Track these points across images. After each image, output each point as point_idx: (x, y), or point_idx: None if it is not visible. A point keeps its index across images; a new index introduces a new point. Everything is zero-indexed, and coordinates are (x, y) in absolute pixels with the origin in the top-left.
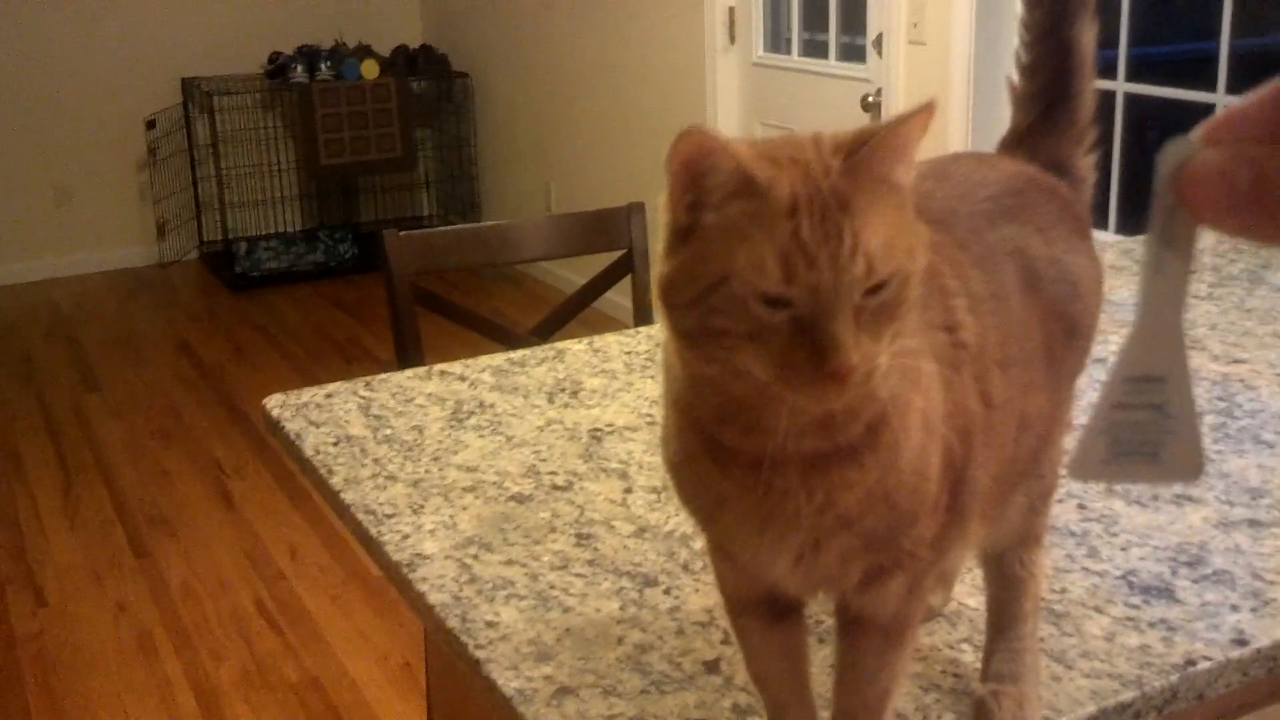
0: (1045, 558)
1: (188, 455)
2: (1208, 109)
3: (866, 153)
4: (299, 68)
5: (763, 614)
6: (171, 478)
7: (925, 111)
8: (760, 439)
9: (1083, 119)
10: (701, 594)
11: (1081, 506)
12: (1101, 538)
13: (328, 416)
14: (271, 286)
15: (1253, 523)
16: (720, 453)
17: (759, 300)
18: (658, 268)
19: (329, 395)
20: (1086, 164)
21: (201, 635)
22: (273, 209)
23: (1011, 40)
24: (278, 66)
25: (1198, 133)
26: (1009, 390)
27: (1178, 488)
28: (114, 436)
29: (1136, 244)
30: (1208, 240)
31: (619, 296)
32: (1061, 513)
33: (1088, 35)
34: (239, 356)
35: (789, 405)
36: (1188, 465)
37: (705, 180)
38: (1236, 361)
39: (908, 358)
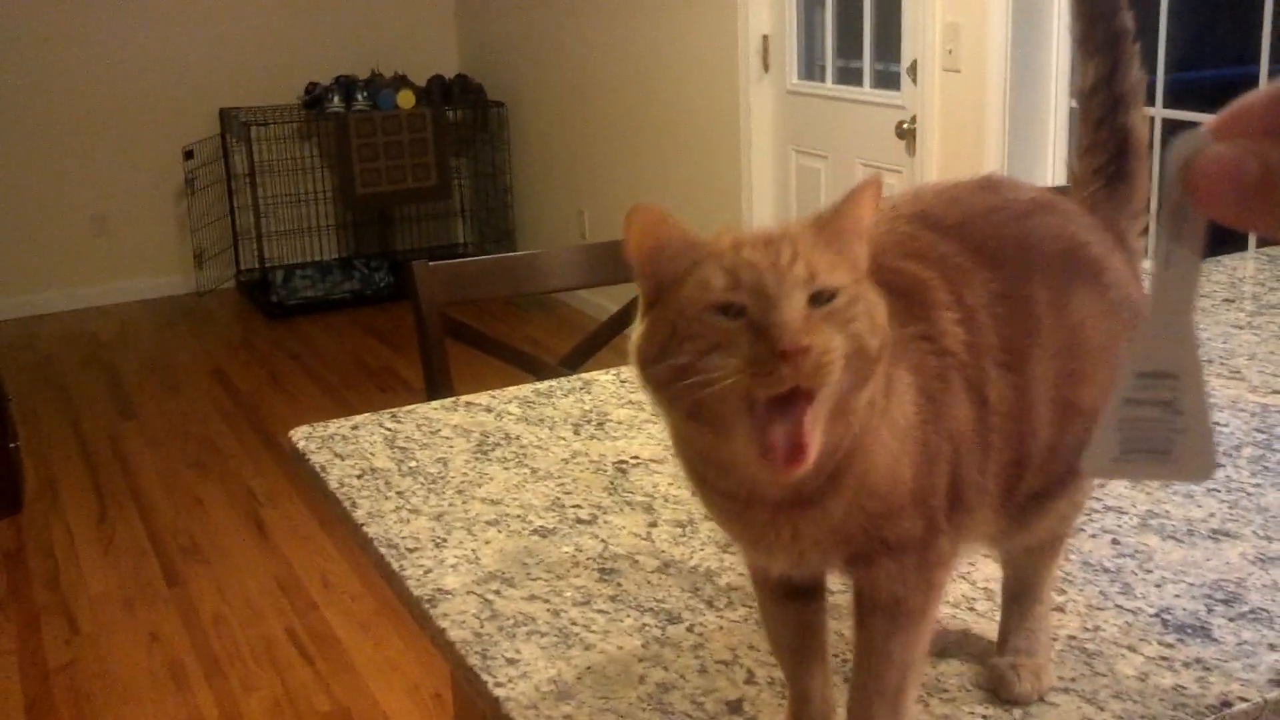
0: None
1: (222, 484)
2: None
3: (825, 214)
4: (335, 98)
5: (780, 591)
6: (205, 506)
7: (872, 184)
8: (734, 481)
9: (1139, 199)
10: (725, 631)
11: (1115, 542)
12: (1136, 574)
13: (353, 449)
14: (307, 315)
15: None
16: (706, 487)
17: (712, 313)
18: (631, 346)
19: (355, 427)
20: (1141, 243)
21: (233, 664)
22: (309, 238)
23: (1047, 66)
24: (314, 97)
25: (1206, 127)
26: (1021, 387)
27: (1214, 523)
28: (149, 465)
29: None
30: (1248, 269)
31: None
32: (1095, 548)
33: (1141, 121)
34: (274, 385)
35: (747, 458)
36: (1198, 463)
37: (660, 254)
38: (1276, 392)
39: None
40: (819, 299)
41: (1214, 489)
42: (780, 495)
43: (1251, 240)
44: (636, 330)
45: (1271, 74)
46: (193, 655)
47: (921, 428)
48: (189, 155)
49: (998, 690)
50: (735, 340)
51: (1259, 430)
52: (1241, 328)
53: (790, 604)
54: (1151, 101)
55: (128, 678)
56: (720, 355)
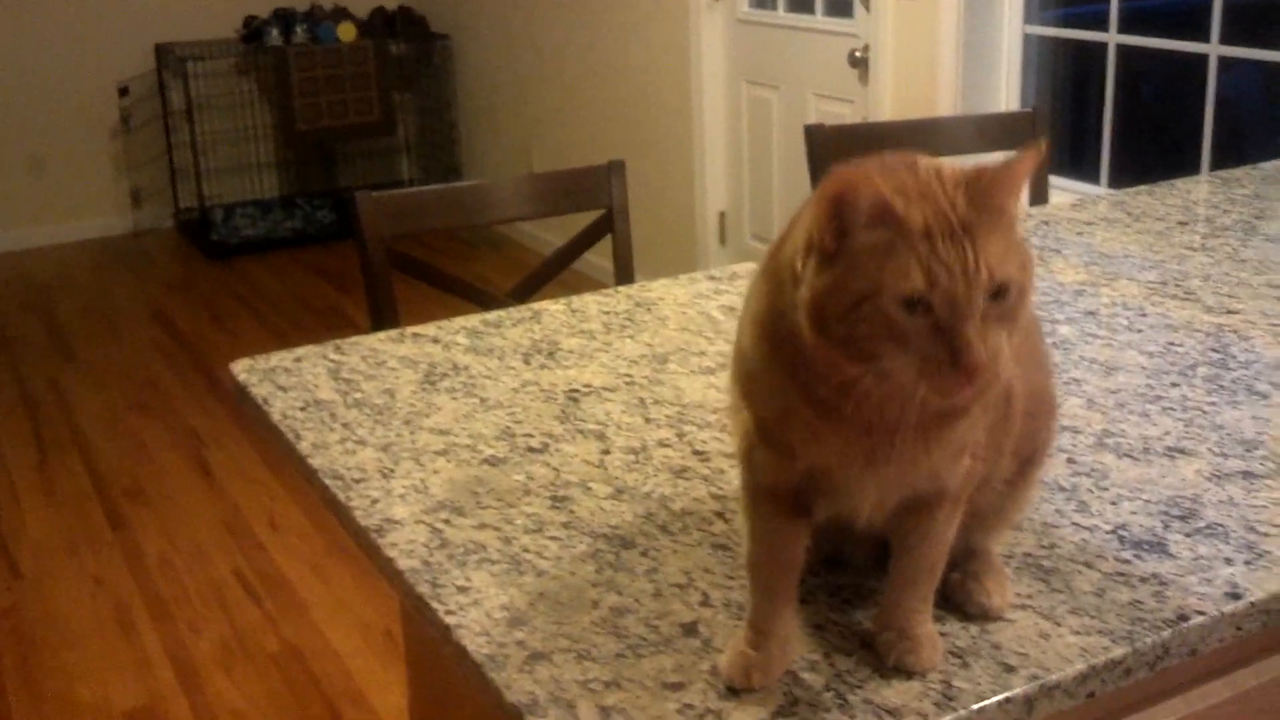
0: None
1: (165, 426)
2: (1201, 60)
3: (984, 186)
4: (274, 31)
5: (783, 507)
6: (149, 449)
7: (1034, 154)
8: (872, 412)
9: None
10: (680, 555)
11: (1071, 461)
12: (1091, 492)
13: (296, 381)
14: (249, 254)
15: (1247, 475)
16: (824, 409)
17: (903, 305)
18: (804, 290)
19: (298, 359)
20: None
21: (180, 607)
22: (250, 176)
23: None
24: (253, 30)
25: None
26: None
27: (1170, 440)
28: (90, 408)
29: (1127, 197)
30: (1201, 192)
31: (599, 258)
32: (1051, 467)
33: None
34: (217, 325)
35: (916, 399)
36: None
37: (849, 213)
38: (1230, 312)
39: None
40: (995, 296)
41: (1169, 407)
42: (936, 409)
43: (1205, 163)
44: (815, 284)
45: (1225, 0)
46: (138, 599)
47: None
48: (124, 92)
49: (962, 605)
50: (918, 338)
51: (1214, 350)
52: (1195, 250)
53: (790, 521)
54: (1105, 28)
55: (72, 622)
56: (900, 351)
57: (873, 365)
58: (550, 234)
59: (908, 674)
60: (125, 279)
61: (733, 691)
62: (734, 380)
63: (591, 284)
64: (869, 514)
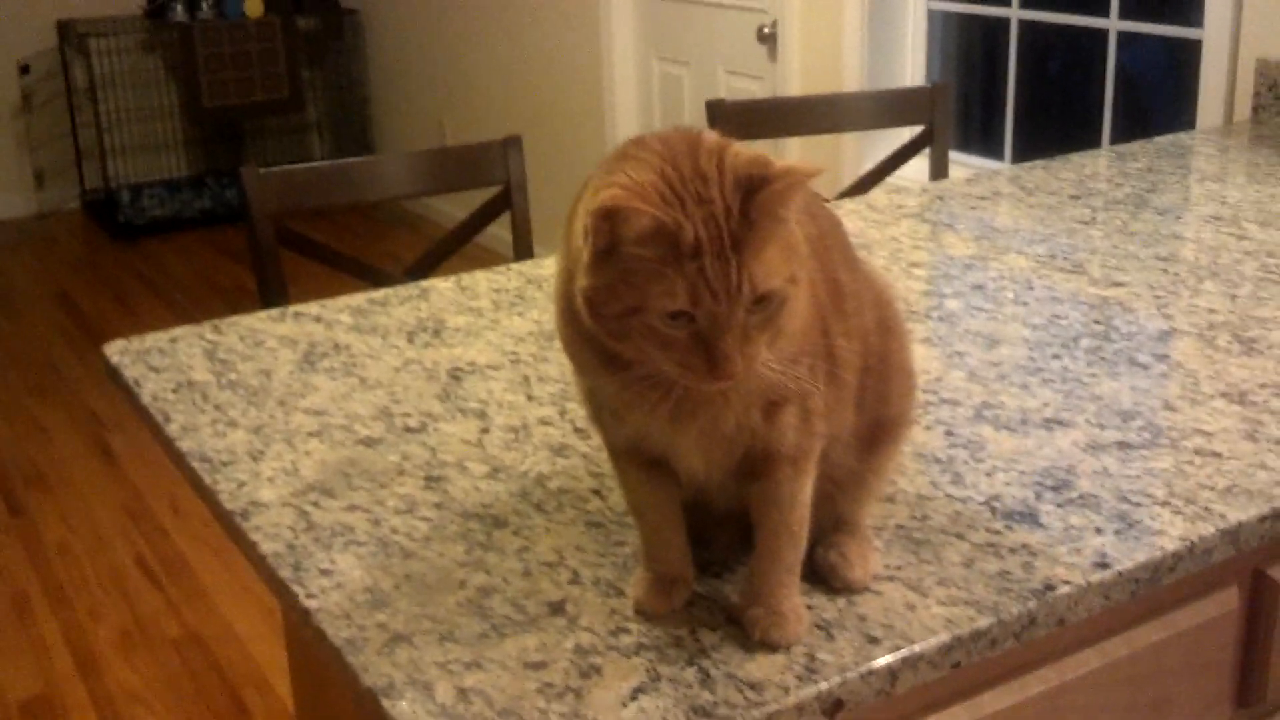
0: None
1: (66, 410)
2: (1103, 34)
3: (763, 198)
4: (179, 6)
5: (642, 459)
6: (49, 433)
7: (812, 170)
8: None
9: None
10: (553, 534)
11: (949, 433)
12: (967, 464)
13: (170, 362)
14: (156, 235)
15: (1122, 445)
16: (620, 367)
17: (668, 318)
18: (581, 278)
19: (173, 340)
20: None
21: (79, 594)
22: (157, 155)
23: None
24: (157, 6)
25: None
26: (855, 318)
27: (1048, 412)
28: None
29: (1023, 171)
30: (1099, 164)
31: (504, 231)
32: (928, 439)
33: None
34: (121, 307)
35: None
36: None
37: (620, 228)
38: (1116, 285)
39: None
40: (758, 303)
41: (1050, 379)
42: None
43: (1105, 137)
44: (589, 279)
45: None
46: (37, 586)
47: (813, 306)
48: (25, 70)
49: (828, 578)
50: (679, 346)
51: (1097, 322)
52: (1087, 223)
53: (654, 470)
54: (1007, 3)
55: None
56: (665, 353)
57: (643, 358)
58: (464, 211)
59: (773, 648)
60: (28, 261)
61: (647, 619)
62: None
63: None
64: (707, 476)
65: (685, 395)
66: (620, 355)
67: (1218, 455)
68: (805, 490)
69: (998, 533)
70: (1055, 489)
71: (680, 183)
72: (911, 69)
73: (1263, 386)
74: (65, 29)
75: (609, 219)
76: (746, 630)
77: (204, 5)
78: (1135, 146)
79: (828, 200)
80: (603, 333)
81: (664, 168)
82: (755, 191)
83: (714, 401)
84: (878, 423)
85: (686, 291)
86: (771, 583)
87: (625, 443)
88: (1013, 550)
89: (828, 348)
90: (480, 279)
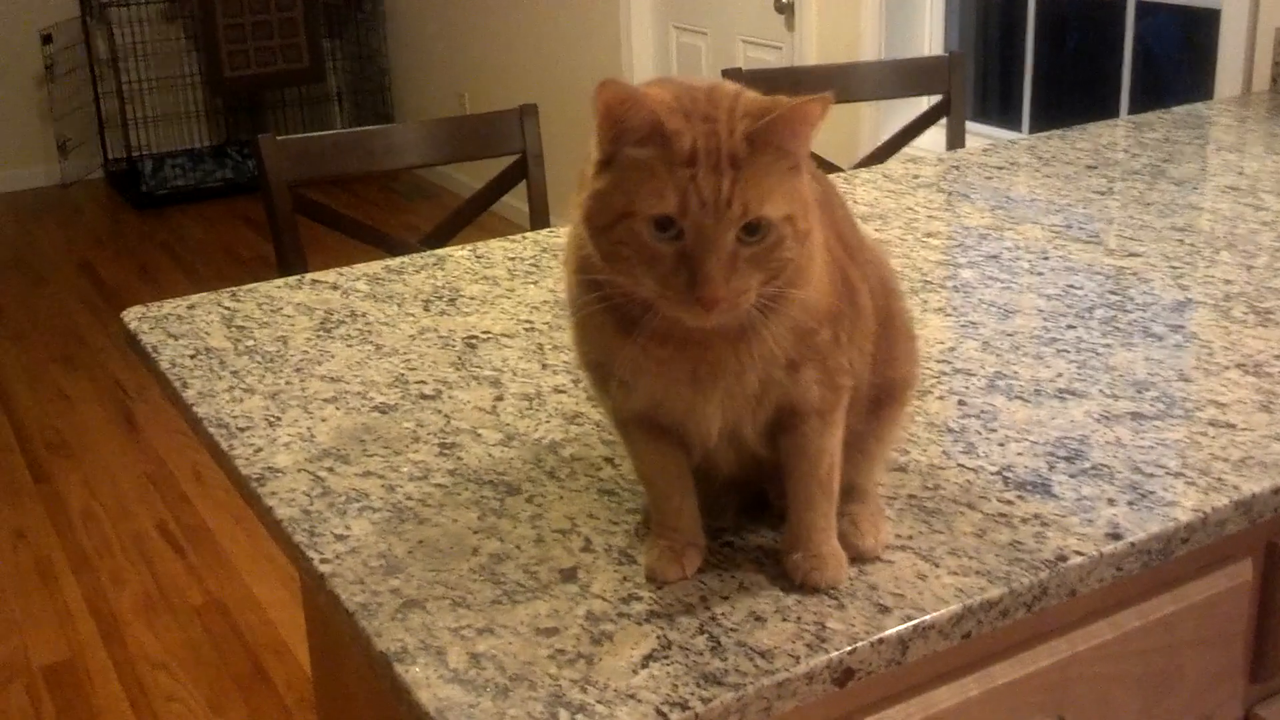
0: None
1: (90, 379)
2: (1120, 5)
3: (765, 125)
4: None
5: (649, 428)
6: (73, 402)
7: (821, 101)
8: (678, 323)
9: None
10: (565, 501)
11: (962, 403)
12: (980, 434)
13: (188, 328)
14: (178, 205)
15: (1135, 415)
16: (633, 328)
17: (653, 226)
18: (584, 195)
19: (191, 307)
20: None
21: (102, 560)
22: (179, 125)
23: None
24: None
25: None
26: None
27: (1062, 382)
28: (13, 361)
29: (1039, 141)
30: (1115, 135)
31: (521, 202)
32: (940, 409)
33: None
34: (143, 277)
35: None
36: None
37: (623, 123)
38: (1132, 255)
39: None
40: (749, 231)
41: (1064, 349)
42: (728, 329)
43: (1123, 108)
44: (589, 189)
45: None
46: (60, 552)
47: (833, 265)
48: (47, 39)
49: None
50: (664, 263)
51: (1112, 292)
52: (1103, 193)
53: (663, 438)
54: None
55: None
56: (648, 271)
57: (631, 281)
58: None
59: (814, 590)
60: (51, 231)
61: (659, 586)
62: (577, 347)
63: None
64: (726, 436)
65: (703, 356)
66: (631, 315)
67: (1232, 426)
68: (834, 441)
69: (1010, 503)
70: (1068, 459)
71: (692, 103)
72: (930, 39)
73: (1278, 358)
74: None
75: (608, 115)
76: (789, 575)
77: None
78: (1152, 117)
79: (843, 170)
80: (598, 253)
81: (679, 91)
82: (759, 118)
83: (731, 362)
84: (883, 385)
85: (675, 195)
86: (808, 527)
87: (634, 413)
88: (1024, 520)
89: (852, 299)
90: (496, 248)
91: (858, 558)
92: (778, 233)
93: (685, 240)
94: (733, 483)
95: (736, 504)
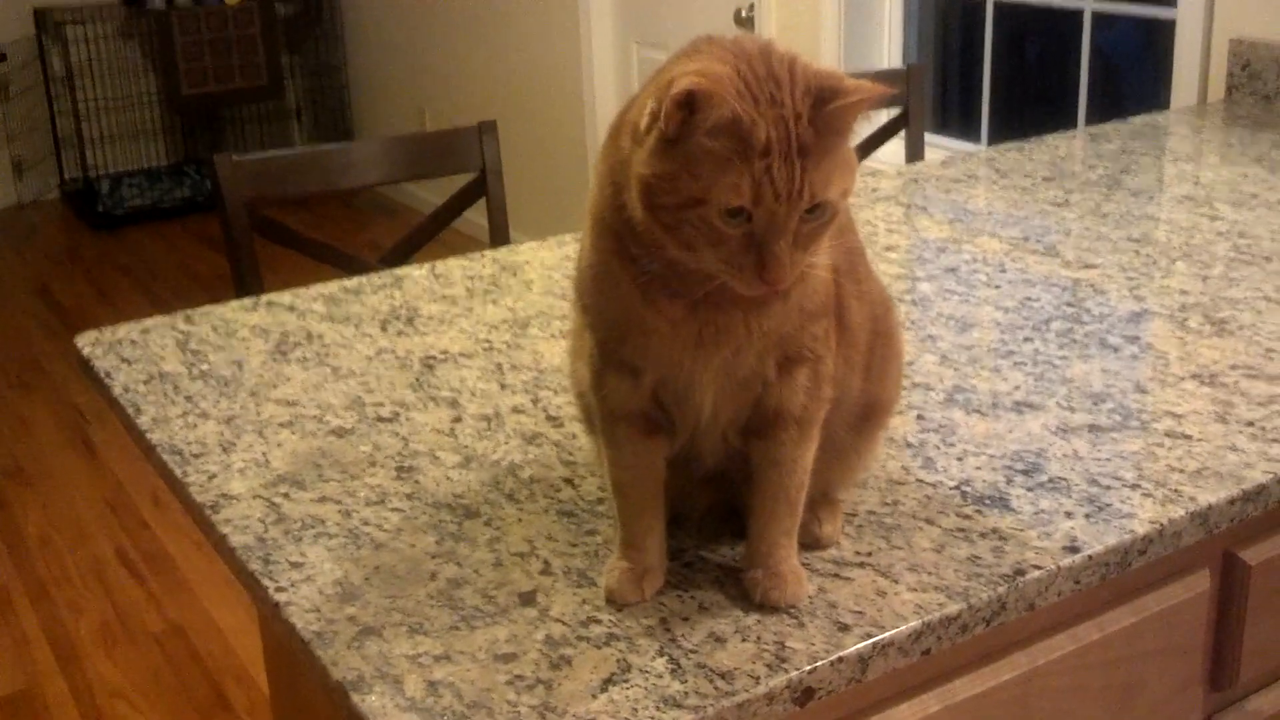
0: None
1: (46, 403)
2: (1077, 16)
3: (830, 111)
4: None
5: (639, 426)
6: (30, 426)
7: (884, 91)
8: (698, 286)
9: None
10: (524, 524)
11: (921, 417)
12: (939, 448)
13: (142, 353)
14: (137, 224)
15: (1093, 428)
16: (651, 290)
17: (727, 214)
18: (641, 165)
19: (145, 331)
20: None
21: (60, 587)
22: (136, 143)
23: None
24: None
25: None
26: (860, 299)
27: (1019, 395)
28: None
29: (998, 154)
30: (1073, 146)
31: (481, 217)
32: (899, 425)
33: None
34: (102, 298)
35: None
36: None
37: (699, 114)
38: (1088, 266)
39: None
40: (810, 213)
41: (1021, 362)
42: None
43: (1080, 119)
44: (650, 165)
45: None
46: (17, 579)
47: (830, 278)
48: (1, 58)
49: (801, 540)
50: (732, 244)
51: (1069, 304)
52: (1060, 205)
53: (649, 440)
54: None
55: None
56: (717, 251)
57: (691, 256)
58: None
59: (773, 609)
60: (6, 253)
61: (618, 609)
62: (575, 296)
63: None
64: (711, 420)
65: (712, 318)
66: (658, 256)
67: (1188, 437)
68: (807, 456)
69: (968, 517)
70: (1025, 473)
71: (755, 82)
72: (889, 51)
73: (1233, 368)
74: (42, 16)
75: (687, 105)
76: (748, 592)
77: None
78: (1109, 128)
79: None
80: (655, 224)
81: (739, 65)
82: (825, 102)
83: (739, 328)
84: (871, 400)
85: (751, 188)
86: (769, 544)
87: (627, 408)
88: (983, 535)
89: (840, 308)
90: (454, 266)
91: (814, 544)
92: (834, 208)
93: (755, 225)
94: (709, 477)
95: (707, 500)
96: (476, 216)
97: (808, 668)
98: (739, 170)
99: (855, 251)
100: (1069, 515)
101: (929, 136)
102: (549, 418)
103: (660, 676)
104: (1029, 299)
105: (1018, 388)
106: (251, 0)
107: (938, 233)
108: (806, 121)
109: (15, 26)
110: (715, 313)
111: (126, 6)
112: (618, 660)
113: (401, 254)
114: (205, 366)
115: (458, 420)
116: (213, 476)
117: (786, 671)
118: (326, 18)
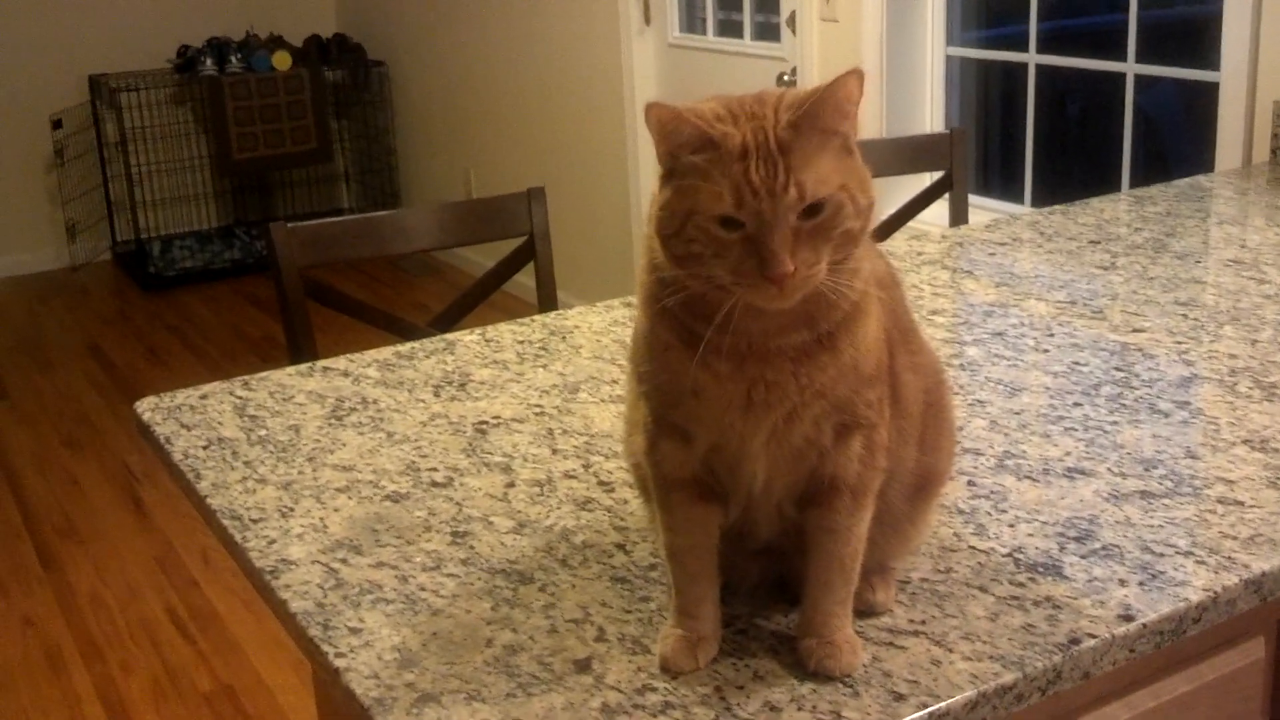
0: None
1: (98, 462)
2: (1120, 78)
3: (806, 110)
4: (208, 60)
5: (693, 492)
6: (81, 486)
7: (855, 75)
8: (741, 337)
9: None
10: (578, 590)
11: (972, 484)
12: (990, 515)
13: (201, 419)
14: (187, 286)
15: (1144, 494)
16: (699, 348)
17: (717, 223)
18: (651, 208)
19: (204, 396)
20: None
21: (111, 646)
22: (187, 206)
23: (922, 15)
24: (186, 60)
25: None
26: (911, 372)
27: (1070, 461)
28: (22, 445)
29: (1042, 216)
30: (1117, 209)
31: (529, 279)
32: (951, 491)
33: None
34: (152, 359)
35: (753, 307)
36: None
37: (675, 137)
38: (1136, 331)
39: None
40: (809, 213)
41: (1071, 428)
42: (800, 339)
43: (1124, 181)
44: (657, 199)
45: (1140, 20)
46: (69, 638)
47: (882, 345)
48: (57, 124)
49: (854, 606)
50: (733, 251)
51: (1118, 369)
52: (1106, 269)
53: (702, 506)
54: (1024, 47)
55: (2, 664)
56: (720, 261)
57: (702, 274)
58: (491, 260)
59: (828, 678)
60: (60, 314)
61: (673, 677)
62: (630, 365)
63: (526, 306)
64: (765, 490)
65: (761, 375)
66: (696, 309)
67: (1240, 504)
68: (862, 525)
69: (1021, 585)
70: (1078, 539)
71: (739, 107)
72: (931, 114)
73: None
74: (96, 84)
75: (660, 131)
76: (802, 661)
77: (233, 59)
78: (1154, 190)
79: None
80: (670, 257)
81: (729, 103)
82: (801, 105)
83: (790, 385)
84: (926, 471)
85: (732, 191)
86: (824, 613)
87: (681, 475)
88: (1037, 603)
89: (894, 381)
90: (504, 331)
91: (868, 611)
92: (835, 203)
93: (749, 228)
94: (763, 549)
95: (759, 572)
96: (524, 278)
97: None
98: (717, 178)
99: (908, 323)
100: (1123, 583)
101: (972, 198)
102: (600, 483)
103: None
104: (1077, 363)
105: (1068, 453)
106: (302, 68)
107: (984, 296)
108: (786, 125)
109: (71, 94)
110: (763, 367)
111: (179, 73)
112: None
113: (451, 317)
114: (263, 432)
115: (510, 485)
116: (272, 542)
117: None
118: (375, 84)
